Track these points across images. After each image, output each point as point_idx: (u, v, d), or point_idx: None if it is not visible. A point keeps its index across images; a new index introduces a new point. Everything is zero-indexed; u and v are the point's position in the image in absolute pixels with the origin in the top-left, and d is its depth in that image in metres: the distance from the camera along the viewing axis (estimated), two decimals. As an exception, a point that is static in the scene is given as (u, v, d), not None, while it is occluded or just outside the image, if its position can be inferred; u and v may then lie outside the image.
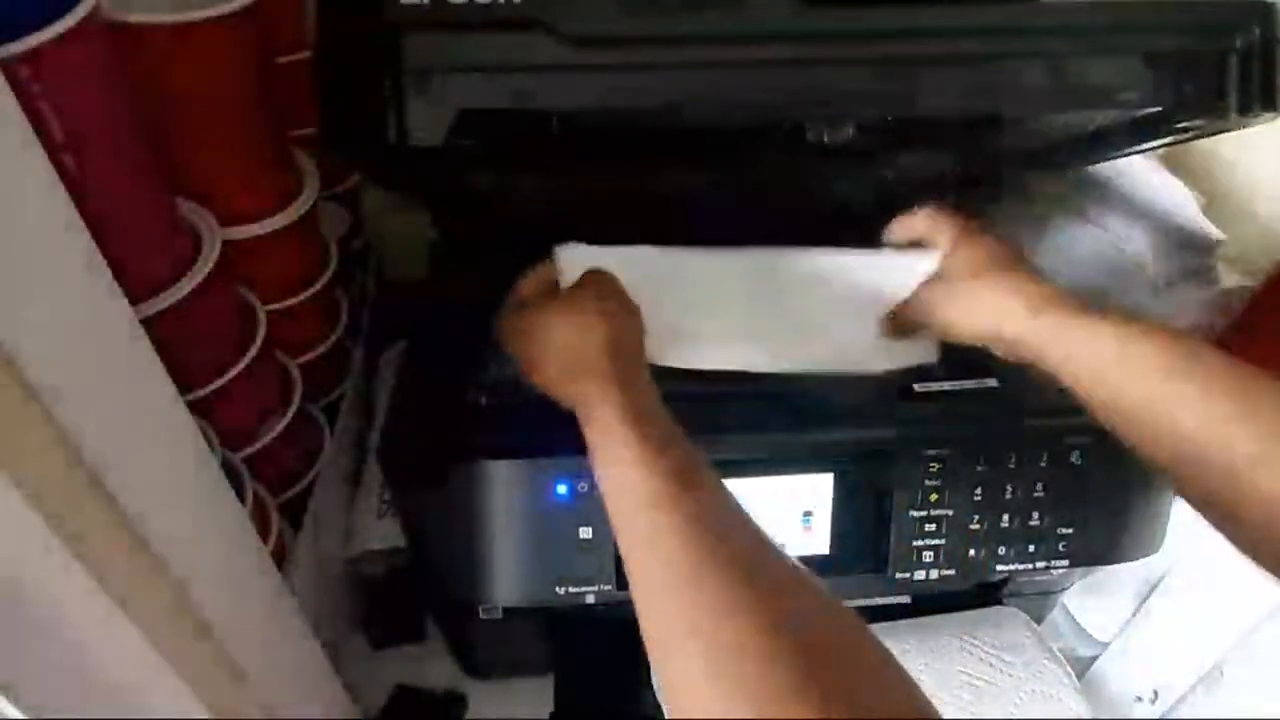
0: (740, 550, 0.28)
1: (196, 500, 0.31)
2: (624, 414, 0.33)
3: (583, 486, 0.43)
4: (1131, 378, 0.35)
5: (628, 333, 0.38)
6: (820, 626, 0.26)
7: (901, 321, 0.44)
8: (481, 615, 0.51)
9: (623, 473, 0.32)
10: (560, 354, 0.37)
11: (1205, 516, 0.33)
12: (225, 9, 0.39)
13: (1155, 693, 0.53)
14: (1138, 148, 0.54)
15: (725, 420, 0.45)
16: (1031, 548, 0.48)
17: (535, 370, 0.39)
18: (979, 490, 0.46)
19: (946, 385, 0.49)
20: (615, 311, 0.39)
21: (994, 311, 0.39)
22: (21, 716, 0.21)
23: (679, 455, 0.32)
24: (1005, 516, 0.47)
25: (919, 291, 0.43)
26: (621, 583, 0.45)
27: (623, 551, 0.31)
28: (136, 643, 0.24)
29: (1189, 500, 0.34)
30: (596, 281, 0.41)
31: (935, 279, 0.43)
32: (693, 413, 0.46)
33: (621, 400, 0.34)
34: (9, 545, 0.20)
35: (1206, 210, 0.61)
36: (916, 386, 0.48)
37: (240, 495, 0.40)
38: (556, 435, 0.45)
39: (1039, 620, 0.59)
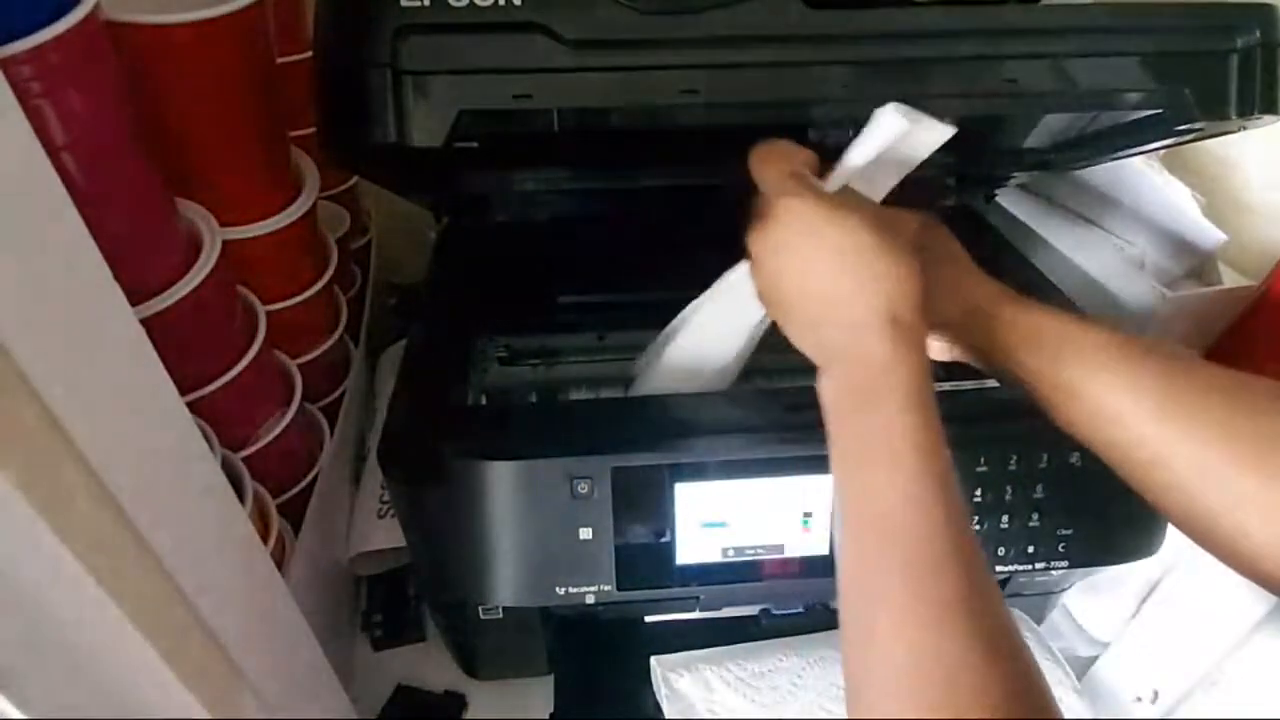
0: (974, 547, 0.29)
1: (196, 500, 0.31)
2: (923, 380, 0.32)
3: (583, 487, 0.43)
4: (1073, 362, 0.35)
5: (917, 289, 0.34)
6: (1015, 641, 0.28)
7: None
8: (481, 615, 0.51)
9: (907, 419, 0.31)
10: (875, 296, 0.33)
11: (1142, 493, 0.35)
12: (226, 9, 0.39)
13: (1155, 693, 0.53)
14: (1139, 149, 0.55)
15: (726, 420, 0.45)
16: (1031, 549, 0.48)
17: (813, 298, 0.35)
18: (979, 491, 0.46)
19: (946, 385, 0.49)
20: (912, 264, 0.34)
21: (955, 296, 0.39)
22: (22, 716, 0.21)
23: (936, 427, 0.31)
24: (1005, 517, 0.47)
25: None
26: (621, 583, 0.45)
27: (853, 486, 0.31)
28: (136, 643, 0.24)
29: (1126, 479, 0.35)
30: (912, 218, 0.37)
31: None
32: (694, 413, 0.46)
33: (921, 362, 0.32)
34: (8, 545, 0.20)
35: (1207, 211, 0.61)
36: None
37: (240, 495, 0.40)
38: (556, 436, 0.45)
39: (1039, 620, 0.59)
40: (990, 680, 0.26)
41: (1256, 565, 0.31)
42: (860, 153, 0.37)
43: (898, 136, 0.36)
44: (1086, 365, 0.35)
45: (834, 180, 0.38)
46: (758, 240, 0.37)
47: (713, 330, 0.46)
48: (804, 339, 0.36)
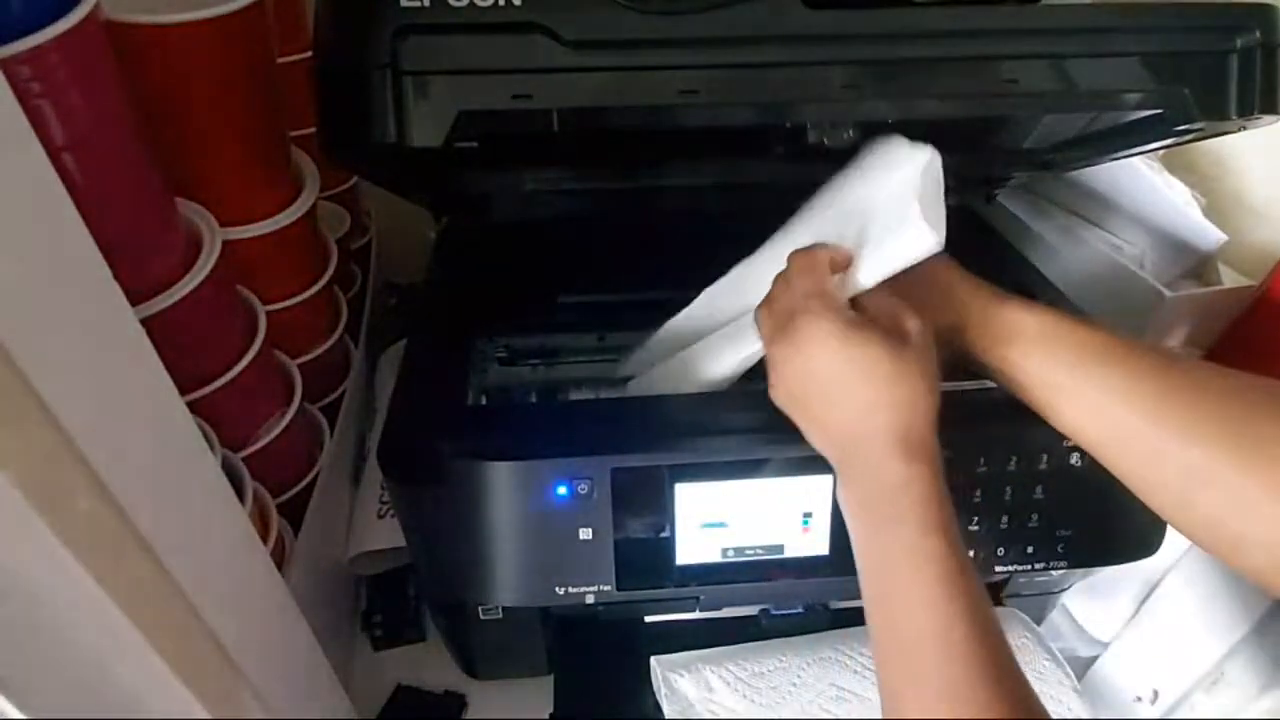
0: (1002, 657, 0.31)
1: (196, 500, 0.31)
2: (938, 493, 0.34)
3: (582, 488, 0.43)
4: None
5: (933, 406, 0.36)
6: None
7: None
8: (481, 615, 0.51)
9: (927, 544, 0.33)
10: (890, 414, 0.35)
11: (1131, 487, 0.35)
12: (226, 9, 0.39)
13: (1155, 693, 0.53)
14: (1138, 149, 0.54)
15: (726, 421, 0.45)
16: (1031, 549, 0.48)
17: (828, 427, 0.37)
18: (978, 491, 0.46)
19: (946, 386, 0.49)
20: (931, 381, 0.36)
21: (949, 299, 0.40)
22: (22, 717, 0.21)
23: (958, 542, 0.33)
24: (1005, 518, 0.47)
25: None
26: (621, 583, 0.45)
27: (890, 611, 0.33)
28: (136, 641, 0.24)
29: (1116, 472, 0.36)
30: (921, 332, 0.37)
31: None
32: (694, 413, 0.46)
33: (936, 481, 0.34)
34: (8, 544, 0.20)
35: (1207, 211, 0.61)
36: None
37: (240, 495, 0.40)
38: (556, 436, 0.45)
39: (1039, 621, 0.59)
40: None
41: (1252, 564, 0.31)
42: (885, 267, 0.38)
43: (927, 252, 0.37)
44: (1079, 362, 0.36)
45: (854, 285, 0.39)
46: (778, 344, 0.39)
47: (716, 353, 0.47)
48: (823, 445, 0.38)
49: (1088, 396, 0.36)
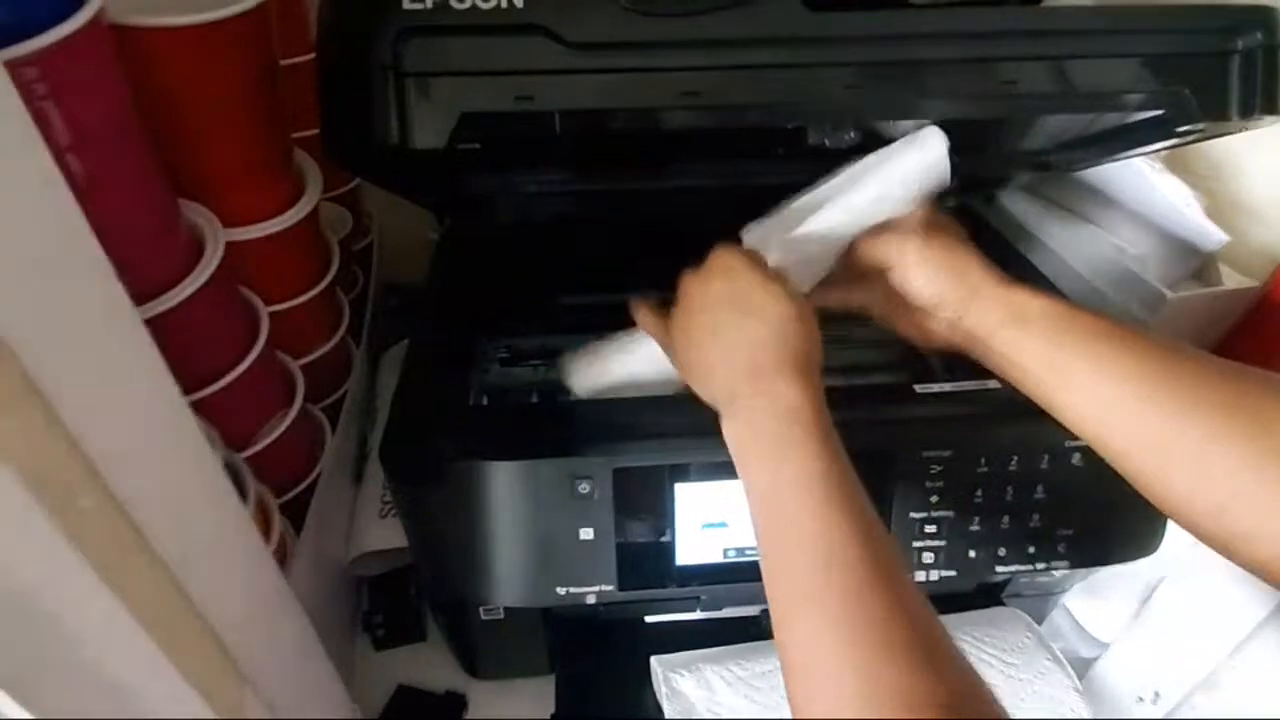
0: (894, 569, 0.31)
1: (199, 499, 0.31)
2: (817, 410, 0.35)
3: (584, 487, 0.43)
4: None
5: (810, 333, 0.38)
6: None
7: (862, 258, 0.44)
8: (482, 616, 0.52)
9: (807, 463, 0.33)
10: (751, 350, 0.37)
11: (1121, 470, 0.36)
12: (230, 12, 0.39)
13: (1156, 693, 0.53)
14: (1139, 149, 0.55)
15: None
16: (1032, 549, 0.48)
17: (713, 367, 0.39)
18: (979, 492, 0.46)
19: (947, 386, 0.49)
20: (802, 306, 0.38)
21: (961, 278, 0.41)
22: (26, 715, 0.21)
23: (846, 463, 0.34)
24: (1006, 518, 0.47)
25: (890, 237, 0.43)
26: (622, 583, 0.45)
27: (780, 534, 0.33)
28: (140, 640, 0.24)
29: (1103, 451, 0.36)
30: (776, 277, 0.39)
31: (908, 235, 0.43)
32: (695, 414, 0.46)
33: (815, 396, 0.35)
34: (13, 543, 0.20)
35: (1209, 212, 0.61)
36: (917, 388, 0.48)
37: (242, 495, 0.40)
38: (558, 436, 0.45)
39: (1039, 621, 0.59)
40: (923, 692, 0.27)
41: (1258, 556, 0.31)
42: (898, 170, 0.42)
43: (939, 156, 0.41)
44: (1081, 343, 0.36)
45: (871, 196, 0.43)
46: (686, 280, 0.41)
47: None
48: (709, 385, 0.39)
49: (1089, 377, 0.36)
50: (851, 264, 0.44)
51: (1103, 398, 0.35)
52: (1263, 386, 0.32)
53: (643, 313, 0.45)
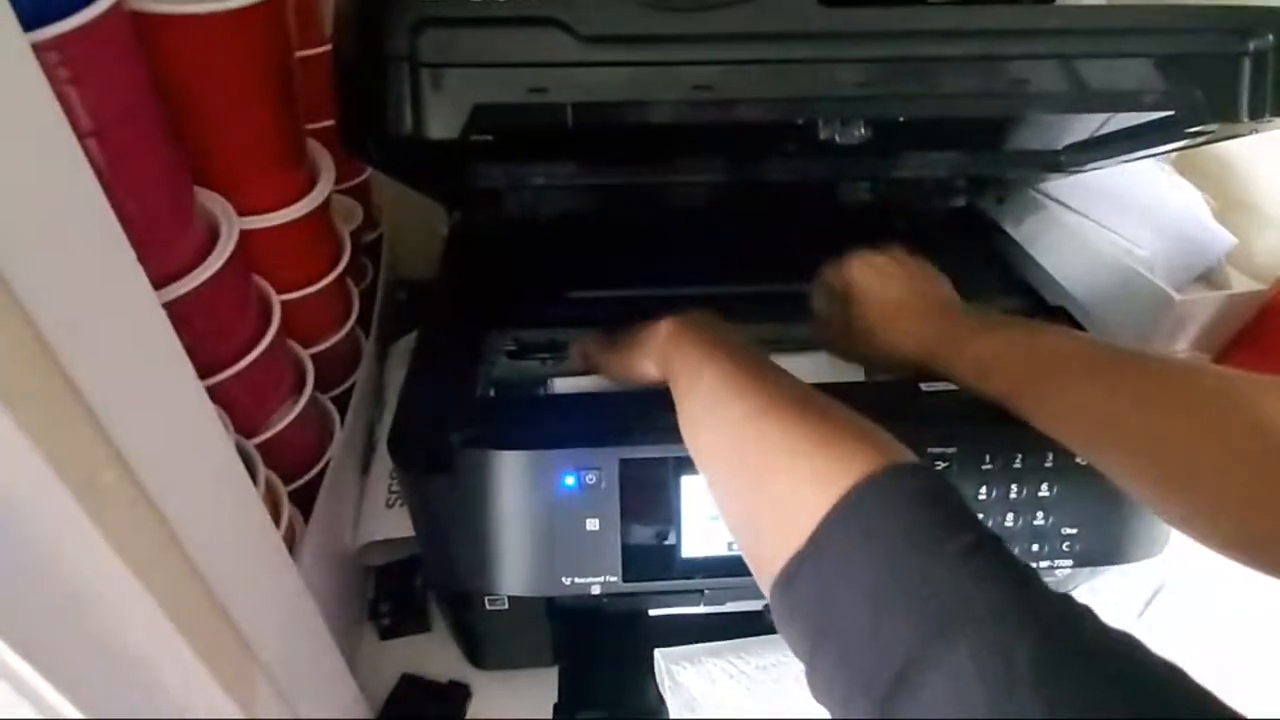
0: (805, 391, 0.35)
1: (213, 482, 0.32)
2: (715, 345, 0.39)
3: (590, 478, 0.44)
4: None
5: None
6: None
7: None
8: (487, 606, 0.52)
9: (715, 378, 0.37)
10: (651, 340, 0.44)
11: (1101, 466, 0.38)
12: (247, 1, 0.39)
13: (1158, 696, 0.53)
14: (1150, 151, 0.54)
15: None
16: (1036, 548, 0.48)
17: (635, 357, 0.45)
18: (984, 490, 0.46)
19: (952, 385, 0.49)
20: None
21: (907, 343, 0.47)
22: (48, 684, 0.21)
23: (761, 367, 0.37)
24: (1010, 517, 0.47)
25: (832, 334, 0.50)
26: (627, 574, 0.45)
27: (709, 411, 0.37)
28: (154, 614, 0.25)
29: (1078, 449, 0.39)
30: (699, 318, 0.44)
31: (852, 319, 0.49)
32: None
33: (716, 339, 0.39)
34: (37, 518, 0.20)
35: (1218, 214, 0.61)
36: (922, 386, 0.49)
37: (253, 481, 0.41)
38: (565, 427, 0.45)
39: (1042, 621, 0.59)
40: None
41: (1258, 552, 0.31)
42: None
43: None
44: (1036, 378, 0.39)
45: None
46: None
47: None
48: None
49: (1055, 404, 0.38)
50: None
51: (1090, 417, 0.37)
52: (1250, 394, 0.32)
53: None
